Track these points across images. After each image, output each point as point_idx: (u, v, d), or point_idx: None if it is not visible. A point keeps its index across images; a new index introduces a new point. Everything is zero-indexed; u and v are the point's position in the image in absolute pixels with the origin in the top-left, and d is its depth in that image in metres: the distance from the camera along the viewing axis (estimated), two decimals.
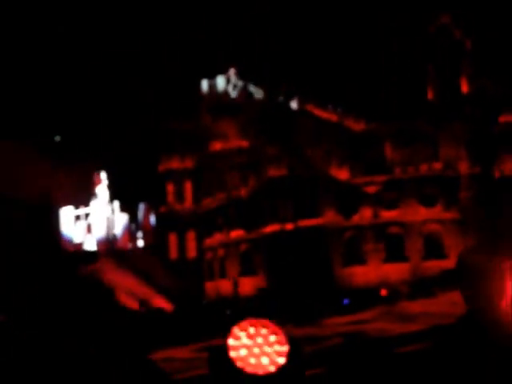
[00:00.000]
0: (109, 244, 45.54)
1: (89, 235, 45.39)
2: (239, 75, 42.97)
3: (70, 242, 46.24)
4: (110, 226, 45.90)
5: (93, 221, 45.78)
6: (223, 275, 40.20)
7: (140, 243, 46.37)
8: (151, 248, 45.56)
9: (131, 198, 45.29)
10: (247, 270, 39.33)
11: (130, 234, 44.85)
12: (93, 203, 47.11)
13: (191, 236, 44.16)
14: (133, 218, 44.36)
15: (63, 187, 40.62)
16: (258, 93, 42.89)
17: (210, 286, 39.41)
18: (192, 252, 43.98)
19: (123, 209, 45.98)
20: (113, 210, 45.48)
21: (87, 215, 46.71)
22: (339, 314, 23.74)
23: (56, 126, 43.51)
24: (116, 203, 45.55)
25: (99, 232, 45.49)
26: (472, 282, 2.61)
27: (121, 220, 46.08)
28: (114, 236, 46.26)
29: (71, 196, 45.96)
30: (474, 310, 2.56)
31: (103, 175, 46.27)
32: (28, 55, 36.88)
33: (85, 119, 40.76)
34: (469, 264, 2.67)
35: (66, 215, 47.64)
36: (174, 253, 44.53)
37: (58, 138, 43.55)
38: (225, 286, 39.49)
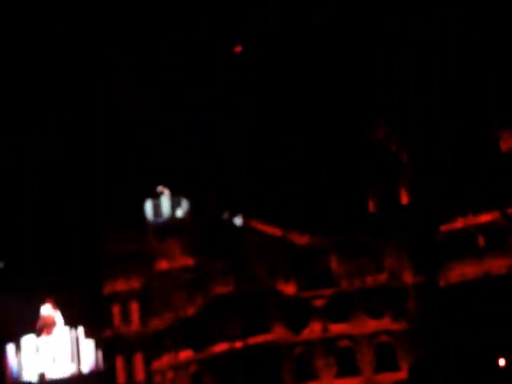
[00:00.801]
0: (77, 373, 43.94)
1: (53, 364, 43.84)
2: (178, 193, 43.23)
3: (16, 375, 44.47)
4: (75, 353, 44.42)
5: (56, 349, 44.28)
6: None
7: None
8: (98, 374, 44.13)
9: (92, 322, 44.15)
10: None
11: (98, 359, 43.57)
12: (55, 330, 45.62)
13: (139, 359, 42.94)
14: (99, 343, 43.14)
15: (18, 316, 39.51)
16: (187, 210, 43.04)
17: None
18: (140, 375, 42.64)
19: (88, 335, 44.65)
20: (77, 337, 44.17)
21: (49, 343, 45.18)
22: None
23: None
24: (80, 329, 44.29)
25: (64, 360, 43.99)
26: None
27: (87, 346, 44.61)
28: (80, 364, 44.68)
29: (28, 324, 44.57)
30: None
31: (52, 301, 45.17)
32: None
33: (27, 244, 40.18)
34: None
35: (27, 344, 46.03)
36: (121, 377, 43.11)
37: (1, 265, 42.76)
38: None
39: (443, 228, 38.11)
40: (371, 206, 40.31)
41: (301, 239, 41.74)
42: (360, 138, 39.83)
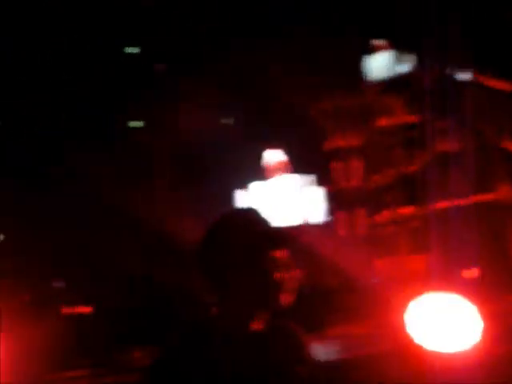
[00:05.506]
0: (305, 220, 45.30)
1: (281, 210, 45.14)
2: (401, 47, 41.97)
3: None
4: (304, 202, 45.51)
5: (284, 195, 45.43)
6: (393, 253, 39.51)
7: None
8: (322, 225, 45.53)
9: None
10: (418, 248, 38.42)
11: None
12: (283, 177, 46.72)
13: (359, 213, 43.71)
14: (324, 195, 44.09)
15: (247, 163, 41.24)
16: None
17: (379, 264, 38.91)
18: (360, 229, 43.54)
19: (320, 184, 45.34)
20: (305, 185, 45.12)
21: (277, 189, 46.51)
22: None
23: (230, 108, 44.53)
24: (308, 177, 44.99)
25: (291, 206, 45.09)
26: None
27: (317, 195, 45.38)
28: (307, 212, 45.82)
29: (257, 171, 46.28)
30: None
31: (279, 148, 46.16)
32: None
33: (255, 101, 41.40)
34: None
35: (255, 190, 47.72)
36: (342, 230, 44.27)
37: (231, 121, 44.71)
38: (395, 264, 38.84)
39: None
40: None
41: None
42: None
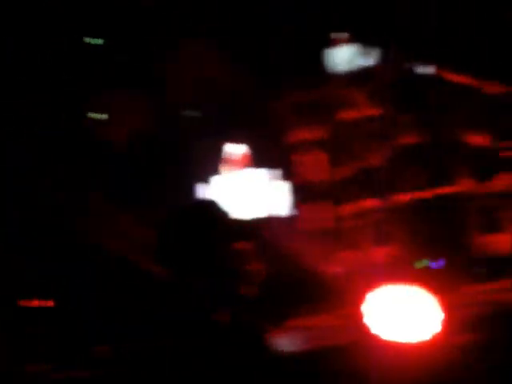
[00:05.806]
0: (268, 214, 44.76)
1: (245, 203, 44.42)
2: (363, 41, 42.10)
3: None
4: (268, 195, 44.96)
5: (246, 188, 44.71)
6: (356, 245, 39.80)
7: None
8: (286, 218, 45.50)
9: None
10: (381, 240, 38.77)
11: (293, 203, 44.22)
12: (245, 171, 45.94)
13: (323, 206, 43.87)
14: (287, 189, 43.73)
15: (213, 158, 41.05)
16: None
17: (342, 257, 39.16)
18: (323, 222, 43.70)
19: (284, 178, 44.83)
20: (271, 179, 44.58)
21: (238, 183, 45.87)
22: (475, 282, 23.11)
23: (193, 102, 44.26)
24: (277, 172, 44.51)
25: (253, 200, 44.43)
26: None
27: (281, 189, 44.81)
28: (271, 205, 45.33)
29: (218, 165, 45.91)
30: None
31: (241, 142, 45.82)
32: None
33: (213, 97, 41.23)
34: None
35: (216, 183, 46.96)
36: (305, 223, 44.38)
37: (198, 113, 44.48)
38: (358, 256, 39.19)
39: None
40: None
41: (495, 90, 39.65)
42: None
